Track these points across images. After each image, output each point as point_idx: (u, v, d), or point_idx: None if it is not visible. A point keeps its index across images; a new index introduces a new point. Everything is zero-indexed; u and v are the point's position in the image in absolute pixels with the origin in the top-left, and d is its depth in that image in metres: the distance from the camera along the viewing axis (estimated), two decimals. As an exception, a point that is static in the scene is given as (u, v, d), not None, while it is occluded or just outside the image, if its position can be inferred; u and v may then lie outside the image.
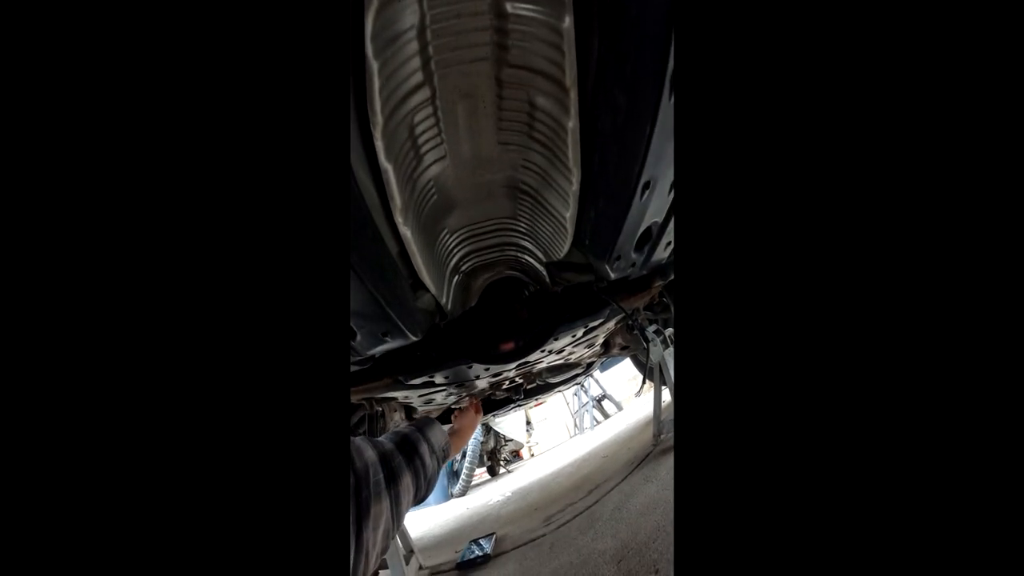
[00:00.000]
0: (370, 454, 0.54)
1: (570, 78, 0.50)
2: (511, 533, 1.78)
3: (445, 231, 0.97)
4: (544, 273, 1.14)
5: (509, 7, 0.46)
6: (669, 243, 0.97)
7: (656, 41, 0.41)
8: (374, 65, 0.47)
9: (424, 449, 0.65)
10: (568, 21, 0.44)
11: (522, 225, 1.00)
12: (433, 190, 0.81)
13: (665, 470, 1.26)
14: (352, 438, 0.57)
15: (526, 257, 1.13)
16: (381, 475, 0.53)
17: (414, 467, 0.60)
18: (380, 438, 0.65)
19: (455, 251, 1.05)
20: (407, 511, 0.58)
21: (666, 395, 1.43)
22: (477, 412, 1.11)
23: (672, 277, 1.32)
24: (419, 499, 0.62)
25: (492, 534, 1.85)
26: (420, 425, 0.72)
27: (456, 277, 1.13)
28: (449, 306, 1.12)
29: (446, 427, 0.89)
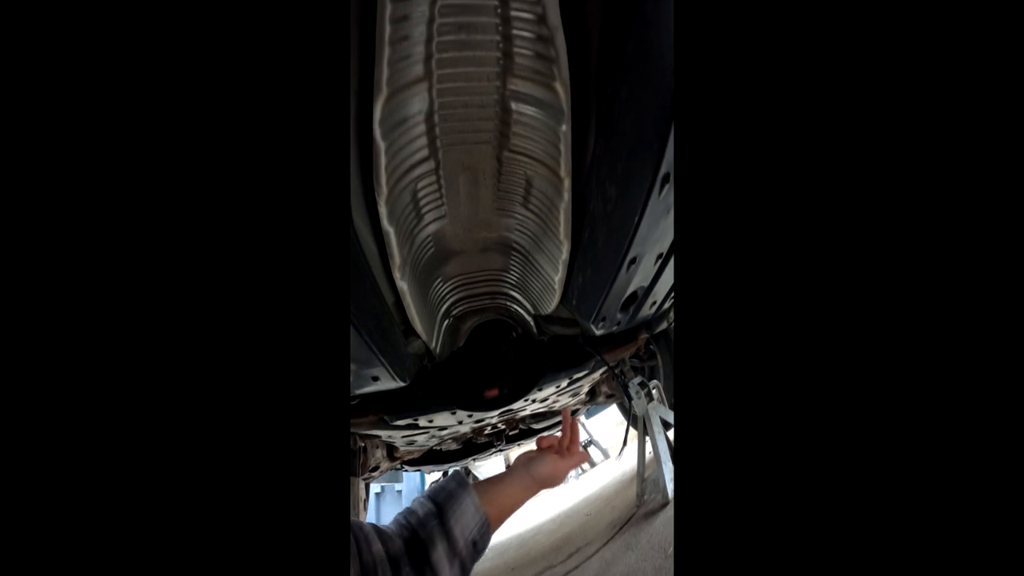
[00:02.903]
0: (378, 548, 0.44)
1: (565, 170, 0.55)
2: (484, 595, 1.66)
3: (439, 279, 1.00)
4: (532, 323, 1.16)
5: (513, 105, 0.52)
6: (655, 303, 1.01)
7: (650, 147, 0.45)
8: (381, 145, 0.51)
9: (440, 553, 0.46)
10: (566, 127, 0.50)
11: (513, 278, 1.04)
12: (431, 245, 0.84)
13: (646, 537, 1.23)
14: (359, 523, 0.45)
15: (515, 307, 1.15)
16: None
17: None
18: (390, 526, 0.49)
19: (447, 297, 1.07)
20: None
21: (650, 448, 1.41)
22: (571, 458, 0.58)
23: (658, 330, 1.35)
24: None
25: (464, 595, 1.73)
26: (442, 505, 0.49)
27: (446, 321, 1.14)
28: (438, 349, 1.12)
29: (492, 479, 0.56)
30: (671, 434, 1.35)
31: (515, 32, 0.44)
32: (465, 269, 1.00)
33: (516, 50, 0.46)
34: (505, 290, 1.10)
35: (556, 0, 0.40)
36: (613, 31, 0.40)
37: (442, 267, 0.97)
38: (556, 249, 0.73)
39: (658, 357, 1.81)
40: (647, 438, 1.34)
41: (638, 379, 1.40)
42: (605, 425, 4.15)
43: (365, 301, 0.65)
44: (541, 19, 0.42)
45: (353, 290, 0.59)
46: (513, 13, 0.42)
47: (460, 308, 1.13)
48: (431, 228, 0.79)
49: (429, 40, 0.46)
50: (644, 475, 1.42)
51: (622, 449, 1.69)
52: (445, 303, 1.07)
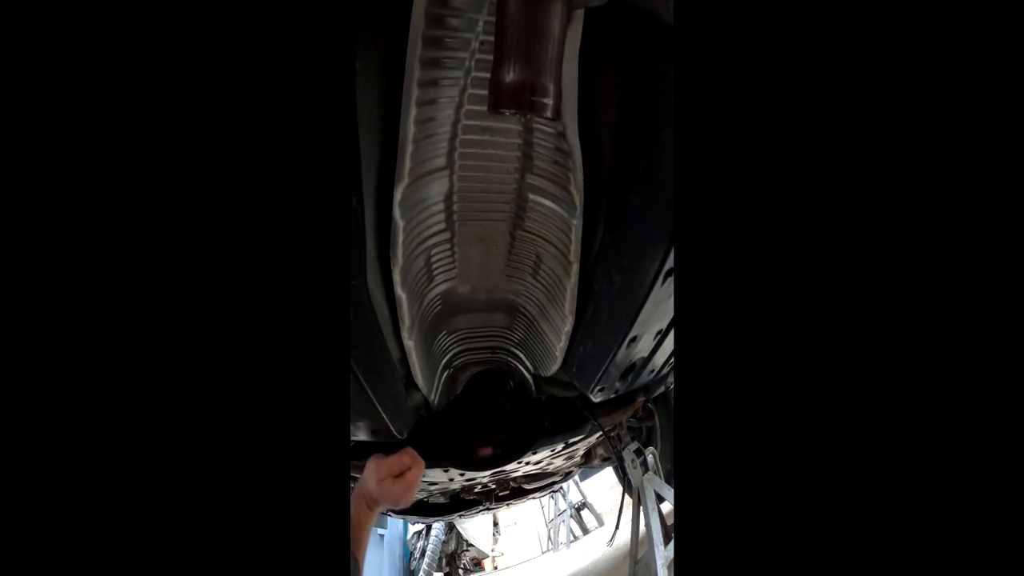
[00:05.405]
0: None
1: (574, 255, 0.58)
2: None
3: (443, 332, 1.02)
4: (531, 381, 1.16)
5: (529, 195, 0.56)
6: (652, 370, 1.01)
7: (656, 246, 0.48)
8: (400, 223, 0.55)
9: None
10: (578, 220, 0.54)
11: (516, 338, 1.06)
12: (439, 303, 0.87)
13: (638, 627, 1.13)
14: None
15: (515, 363, 1.16)
16: None
17: None
18: None
19: (450, 349, 1.08)
20: None
21: (644, 520, 1.33)
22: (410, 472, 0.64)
23: (656, 393, 1.34)
24: None
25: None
26: None
27: (447, 372, 1.15)
28: (436, 400, 1.12)
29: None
30: (666, 507, 1.29)
31: (536, 140, 0.49)
32: (470, 324, 1.02)
33: (536, 152, 0.51)
34: (507, 347, 1.11)
35: (575, 122, 0.46)
36: (625, 153, 0.45)
37: (448, 322, 0.99)
38: (560, 320, 0.76)
39: (655, 418, 1.77)
40: (641, 514, 1.28)
41: (634, 446, 1.36)
42: (599, 487, 3.93)
43: (373, 360, 0.67)
44: (560, 135, 0.47)
45: (364, 351, 0.61)
46: (535, 125, 0.48)
47: (461, 360, 1.14)
48: (441, 288, 0.82)
49: (453, 137, 0.51)
50: (637, 556, 1.34)
51: (614, 533, 1.60)
52: (447, 355, 1.08)
